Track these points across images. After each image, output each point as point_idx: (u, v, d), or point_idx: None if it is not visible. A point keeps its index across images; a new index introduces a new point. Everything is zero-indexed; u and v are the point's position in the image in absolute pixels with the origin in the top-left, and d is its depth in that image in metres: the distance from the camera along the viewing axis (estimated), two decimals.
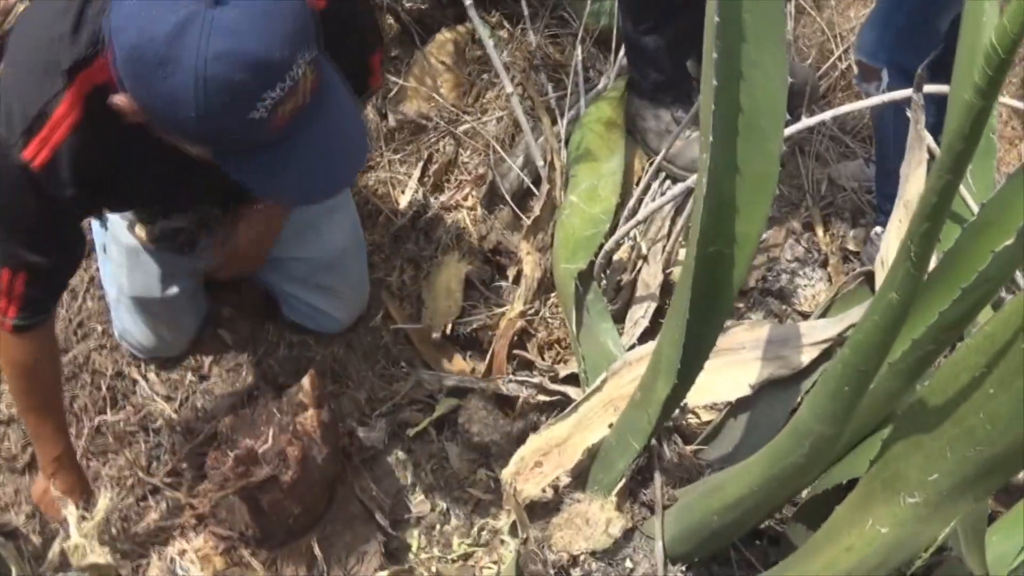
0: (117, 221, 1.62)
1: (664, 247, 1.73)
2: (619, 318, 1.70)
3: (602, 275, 1.73)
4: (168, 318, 1.71)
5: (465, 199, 1.92)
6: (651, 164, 1.88)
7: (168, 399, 1.76)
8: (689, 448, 1.45)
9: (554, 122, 1.91)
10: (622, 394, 1.40)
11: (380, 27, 1.74)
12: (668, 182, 1.88)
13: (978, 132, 0.68)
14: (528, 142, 1.86)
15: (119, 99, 1.08)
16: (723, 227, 1.10)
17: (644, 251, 1.72)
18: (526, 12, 2.08)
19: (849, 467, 1.17)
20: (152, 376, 1.78)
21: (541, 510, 1.36)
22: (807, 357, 1.45)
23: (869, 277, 1.54)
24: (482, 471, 1.65)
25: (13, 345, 1.38)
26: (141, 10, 1.00)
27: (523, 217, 1.86)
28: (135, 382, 1.79)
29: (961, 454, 0.89)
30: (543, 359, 1.72)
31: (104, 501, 1.39)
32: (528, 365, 1.71)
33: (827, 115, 1.45)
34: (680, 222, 1.73)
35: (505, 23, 2.16)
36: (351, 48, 1.33)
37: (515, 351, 1.72)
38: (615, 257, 1.74)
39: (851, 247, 1.83)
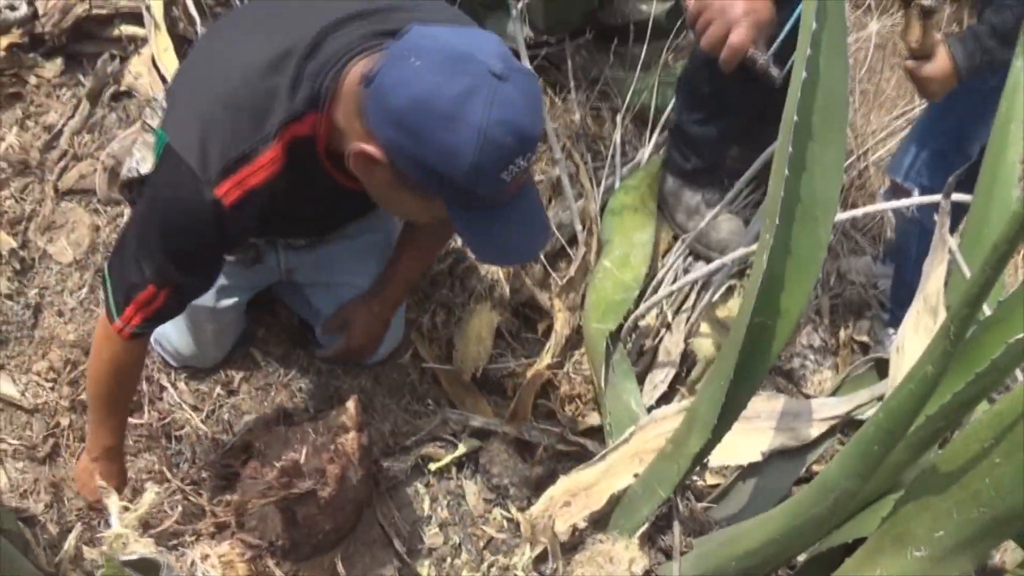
0: None
1: (688, 318, 1.91)
2: (639, 380, 1.86)
3: (628, 338, 1.90)
4: (213, 329, 1.83)
5: None
6: (680, 241, 2.07)
7: (195, 409, 1.88)
8: (700, 505, 1.61)
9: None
10: (647, 448, 1.55)
11: None
12: (691, 258, 2.07)
13: (1018, 239, 0.87)
14: (570, 205, 2.04)
15: (367, 149, 1.24)
16: (771, 301, 1.28)
17: (669, 320, 1.90)
18: (572, 84, 2.28)
19: (854, 528, 1.34)
20: (181, 385, 1.90)
21: (563, 549, 1.50)
22: (816, 431, 1.63)
23: (878, 364, 1.73)
24: (497, 511, 1.79)
25: (120, 348, 1.51)
26: (425, 73, 1.17)
27: (553, 275, 2.04)
28: (163, 388, 1.90)
29: (966, 515, 1.05)
30: (564, 411, 1.87)
31: (149, 495, 1.50)
32: (550, 415, 1.87)
33: (858, 212, 1.63)
34: (705, 298, 1.91)
35: (549, 91, 2.37)
36: None
37: (538, 400, 1.87)
38: (640, 323, 1.91)
39: (860, 339, 2.02)
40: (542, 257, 2.05)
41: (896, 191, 1.96)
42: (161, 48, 2.21)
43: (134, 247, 1.42)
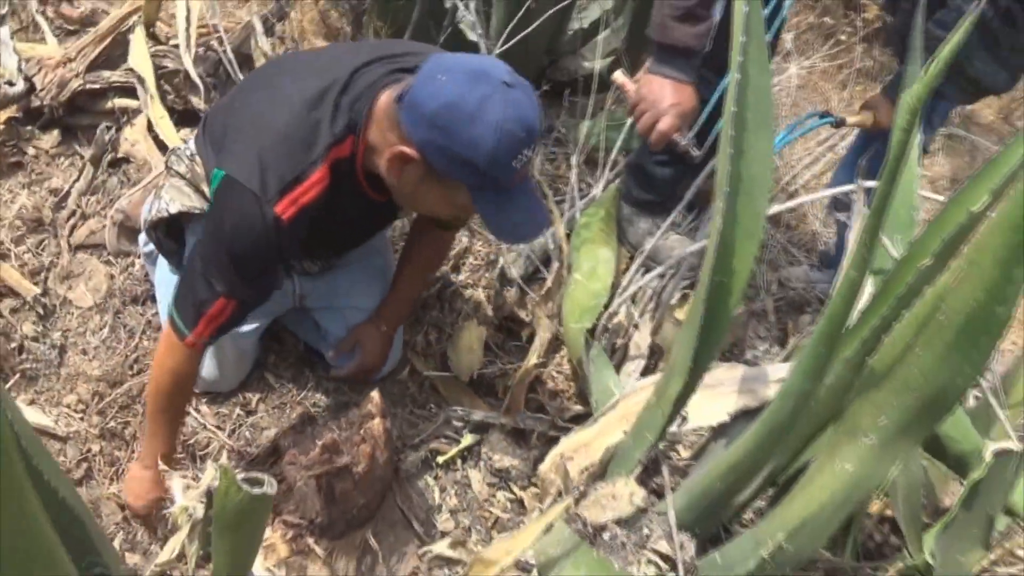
0: None
1: (651, 318, 2.33)
2: (615, 371, 2.27)
3: (602, 336, 2.31)
4: (234, 355, 2.18)
5: (480, 280, 2.51)
6: (633, 259, 2.52)
7: (218, 428, 2.21)
8: (682, 462, 2.01)
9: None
10: (632, 411, 1.95)
11: None
12: (648, 273, 2.51)
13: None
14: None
15: (403, 149, 1.64)
16: (725, 262, 1.70)
17: (636, 320, 2.32)
18: None
19: (811, 453, 1.75)
20: (204, 408, 2.24)
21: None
22: (772, 391, 2.03)
23: None
24: (501, 493, 2.15)
25: (184, 357, 1.85)
26: (450, 84, 1.57)
27: (530, 293, 2.45)
28: (186, 413, 2.24)
29: (902, 401, 1.44)
30: (552, 403, 2.27)
31: (210, 472, 1.82)
32: (540, 408, 2.26)
33: (786, 205, 2.10)
34: (663, 300, 2.35)
35: None
36: None
37: (528, 395, 2.26)
38: (611, 324, 2.33)
39: (803, 330, 2.48)
40: (518, 276, 2.47)
41: (837, 204, 2.44)
42: (157, 116, 2.61)
43: (201, 268, 1.78)
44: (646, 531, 1.79)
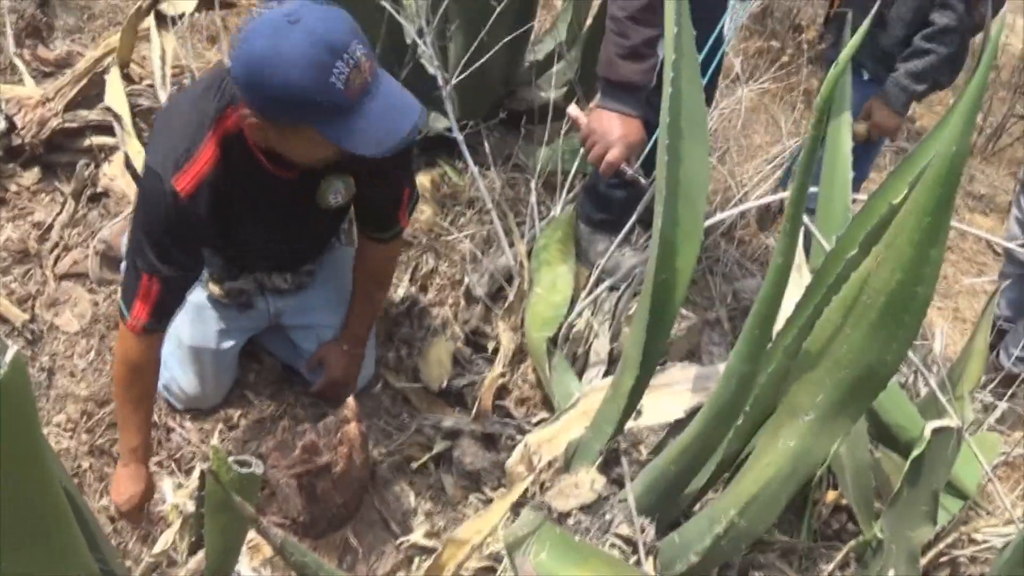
0: None
1: (610, 326, 2.53)
2: (578, 378, 2.46)
3: (563, 345, 2.50)
4: (214, 370, 2.34)
5: (447, 298, 2.70)
6: (591, 274, 2.72)
7: (202, 442, 2.37)
8: (642, 457, 2.19)
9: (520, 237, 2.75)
10: (592, 408, 2.12)
11: (414, 176, 2.37)
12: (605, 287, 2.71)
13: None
14: (504, 250, 2.67)
15: (244, 112, 1.77)
16: (668, 261, 1.89)
17: (595, 328, 2.51)
18: (490, 159, 2.95)
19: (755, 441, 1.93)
20: (187, 424, 2.39)
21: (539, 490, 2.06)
22: None
23: None
24: (473, 496, 2.31)
25: (132, 343, 2.02)
26: (244, 46, 1.68)
27: (495, 309, 2.64)
28: (171, 430, 2.38)
29: (835, 378, 1.59)
30: (518, 410, 2.45)
31: (196, 472, 1.99)
32: (507, 415, 2.43)
33: (735, 211, 2.31)
34: (620, 308, 2.54)
35: (476, 167, 3.02)
36: (397, 166, 2.11)
37: (495, 403, 2.44)
38: (572, 333, 2.52)
39: None
40: (483, 293, 2.66)
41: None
42: (135, 151, 2.79)
43: (129, 253, 1.98)
44: (608, 516, 1.96)
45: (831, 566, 2.01)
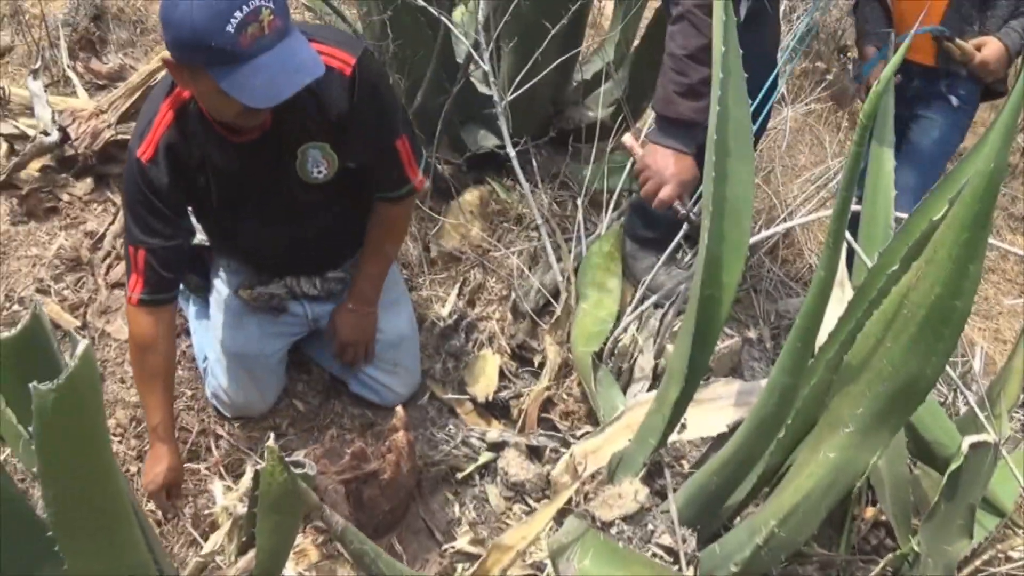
0: (223, 289, 2.47)
1: (655, 342, 2.64)
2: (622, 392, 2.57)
3: (608, 360, 2.62)
4: (258, 376, 2.48)
5: (494, 313, 2.83)
6: (637, 290, 2.84)
7: (251, 449, 2.51)
8: (685, 471, 2.30)
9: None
10: (636, 421, 2.23)
11: (407, 118, 2.41)
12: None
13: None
14: (552, 266, 2.80)
15: (165, 57, 1.92)
16: (714, 276, 2.01)
17: (640, 344, 2.63)
18: (538, 177, 3.09)
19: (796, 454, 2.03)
20: (237, 431, 2.53)
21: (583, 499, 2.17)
22: None
23: None
24: (516, 506, 2.42)
25: (136, 318, 2.19)
26: None
27: (541, 324, 2.76)
28: (219, 437, 2.52)
29: (875, 391, 1.68)
30: (563, 422, 2.56)
31: (248, 475, 2.12)
32: (552, 428, 2.55)
33: (780, 228, 2.42)
34: (665, 324, 2.66)
35: (525, 183, 3.16)
36: (371, 119, 2.18)
37: (541, 415, 2.56)
38: (617, 348, 2.63)
39: None
40: (530, 308, 2.79)
41: None
42: None
43: (123, 231, 2.17)
44: (650, 527, 2.07)
45: None
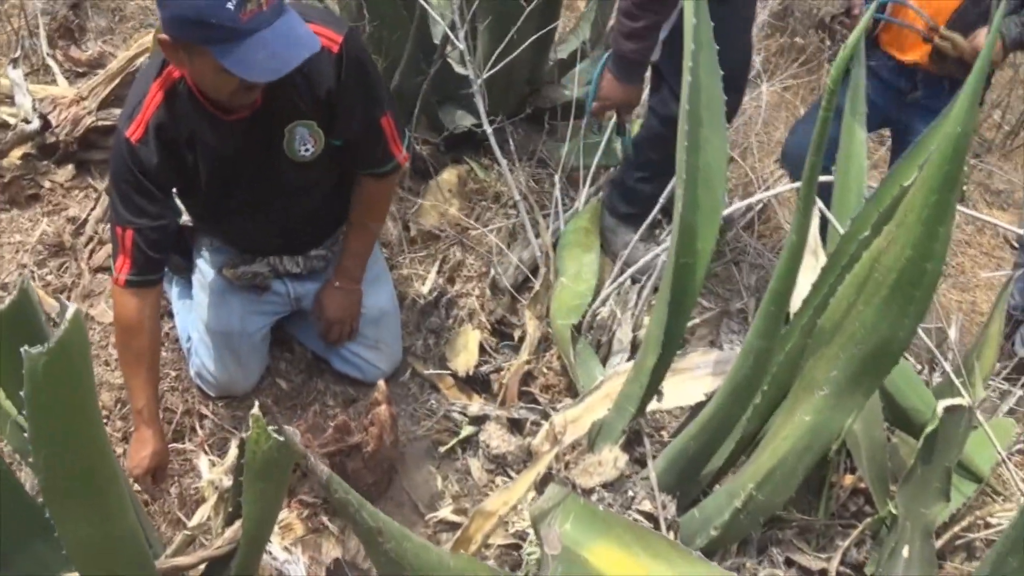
0: (207, 269, 2.46)
1: (633, 314, 2.64)
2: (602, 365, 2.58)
3: (587, 333, 2.62)
4: (241, 354, 2.47)
5: (473, 289, 2.82)
6: (615, 264, 2.85)
7: (235, 428, 2.50)
8: (664, 441, 2.30)
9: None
10: (614, 391, 2.24)
11: (390, 95, 2.41)
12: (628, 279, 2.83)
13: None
14: (531, 241, 2.80)
15: (161, 36, 1.90)
16: (689, 244, 2.01)
17: (619, 317, 2.63)
18: (515, 155, 3.09)
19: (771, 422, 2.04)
20: (221, 411, 2.52)
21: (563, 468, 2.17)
22: None
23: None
24: (499, 479, 2.43)
25: (122, 300, 2.16)
26: None
27: (520, 300, 2.76)
28: (204, 416, 2.52)
29: (848, 354, 1.70)
30: (543, 396, 2.57)
31: (232, 451, 2.11)
32: (533, 401, 2.55)
33: (754, 198, 2.42)
34: (643, 297, 2.66)
35: (496, 165, 3.16)
36: (358, 96, 2.18)
37: (522, 389, 2.56)
38: (595, 321, 2.63)
39: None
40: (508, 284, 2.79)
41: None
42: None
43: (110, 212, 2.13)
44: (631, 493, 2.07)
45: (847, 542, 2.10)
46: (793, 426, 1.85)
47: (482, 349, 2.68)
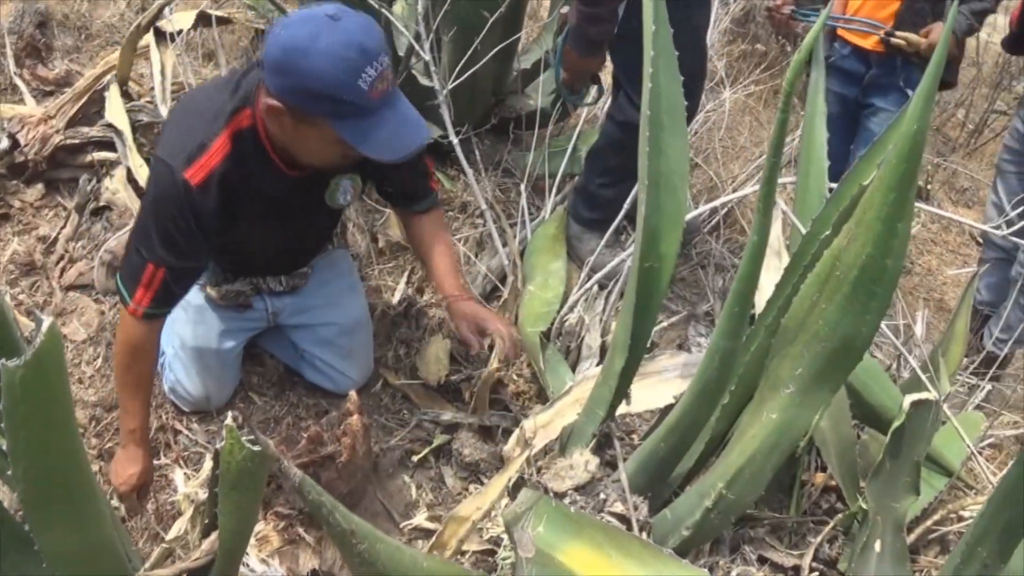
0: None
1: (601, 320, 2.64)
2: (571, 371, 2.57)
3: (556, 339, 2.61)
4: (217, 371, 2.44)
5: (442, 300, 2.81)
6: (582, 271, 2.85)
7: (208, 443, 2.47)
8: (635, 444, 2.30)
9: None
10: (584, 395, 2.24)
11: None
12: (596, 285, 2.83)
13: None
14: (498, 250, 2.79)
15: (268, 101, 1.87)
16: (653, 248, 2.01)
17: (587, 323, 2.63)
18: (481, 165, 3.08)
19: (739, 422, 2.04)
20: (194, 426, 2.49)
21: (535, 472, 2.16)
22: None
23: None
24: (472, 486, 2.41)
25: (134, 328, 2.10)
26: (284, 32, 1.82)
27: (488, 308, 2.75)
28: (178, 432, 2.49)
29: (812, 351, 1.69)
30: (515, 403, 2.56)
31: (207, 465, 2.09)
32: (504, 408, 2.54)
33: (718, 201, 2.43)
34: (610, 303, 2.66)
35: (462, 175, 3.15)
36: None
37: (492, 396, 2.55)
38: (564, 329, 2.63)
39: None
40: (477, 294, 2.77)
41: None
42: (136, 165, 2.91)
43: (135, 241, 2.06)
44: (603, 496, 2.06)
45: (819, 539, 2.11)
46: (761, 425, 1.85)
47: (452, 358, 2.67)
